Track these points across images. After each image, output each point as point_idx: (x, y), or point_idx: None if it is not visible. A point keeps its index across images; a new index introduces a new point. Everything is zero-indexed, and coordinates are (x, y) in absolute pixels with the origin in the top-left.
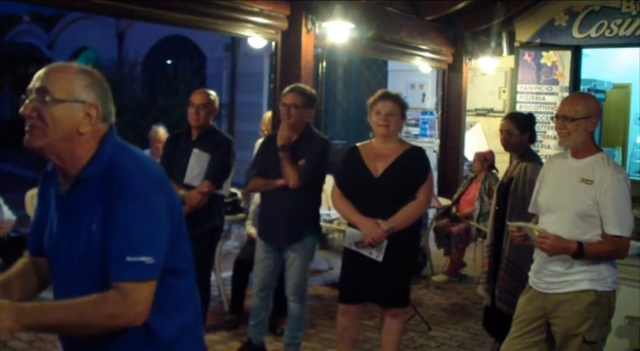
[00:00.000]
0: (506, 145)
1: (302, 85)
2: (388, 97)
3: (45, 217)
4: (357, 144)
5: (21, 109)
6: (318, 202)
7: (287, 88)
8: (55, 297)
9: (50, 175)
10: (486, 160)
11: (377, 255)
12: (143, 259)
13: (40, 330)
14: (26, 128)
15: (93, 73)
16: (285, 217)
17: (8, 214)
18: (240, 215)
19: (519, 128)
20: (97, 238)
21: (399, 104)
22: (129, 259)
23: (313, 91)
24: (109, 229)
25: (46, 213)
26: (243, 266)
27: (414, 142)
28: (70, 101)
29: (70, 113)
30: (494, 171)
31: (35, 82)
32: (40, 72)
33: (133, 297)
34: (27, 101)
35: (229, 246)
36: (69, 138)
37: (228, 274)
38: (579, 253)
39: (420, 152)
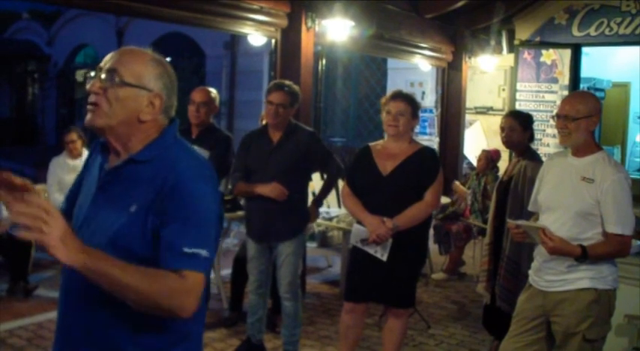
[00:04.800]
0: (508, 142)
1: (287, 82)
2: (399, 97)
3: (80, 184)
4: (370, 143)
5: (88, 86)
6: (306, 198)
7: (273, 86)
8: (65, 268)
9: (102, 147)
10: (492, 160)
11: (382, 254)
12: (200, 251)
13: (94, 278)
14: (88, 107)
15: (164, 63)
16: (277, 216)
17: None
18: (240, 213)
19: (522, 125)
20: (132, 220)
21: (411, 104)
22: (186, 250)
23: (296, 87)
24: (166, 219)
25: (83, 181)
26: (242, 264)
27: None
28: (137, 87)
29: (135, 98)
30: (495, 170)
31: (107, 61)
32: (113, 54)
33: (190, 283)
34: (94, 79)
35: (229, 244)
36: (129, 123)
37: (227, 271)
38: (583, 257)
39: (430, 153)
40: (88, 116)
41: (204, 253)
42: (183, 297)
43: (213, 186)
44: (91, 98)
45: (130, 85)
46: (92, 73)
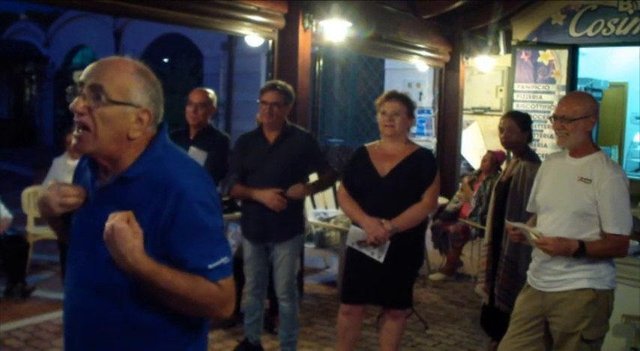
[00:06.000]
0: (507, 142)
1: (280, 82)
2: (394, 97)
3: None
4: (366, 144)
5: (71, 105)
6: (304, 199)
7: (266, 86)
8: (67, 278)
9: (90, 161)
10: (497, 161)
11: (378, 255)
12: (222, 261)
13: (147, 282)
14: (75, 132)
15: (148, 73)
16: (275, 217)
17: (5, 212)
18: (237, 214)
19: (521, 126)
20: None
21: (406, 104)
22: (211, 266)
23: (289, 86)
24: (178, 239)
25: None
26: (240, 265)
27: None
28: (124, 104)
29: (123, 116)
30: (499, 172)
31: (88, 77)
32: (94, 66)
33: (226, 290)
34: (78, 97)
35: None
36: (118, 141)
37: None
38: (581, 251)
39: (427, 154)
40: (75, 142)
41: (225, 260)
42: (223, 305)
43: (211, 195)
44: (76, 117)
45: (118, 102)
46: (71, 88)
